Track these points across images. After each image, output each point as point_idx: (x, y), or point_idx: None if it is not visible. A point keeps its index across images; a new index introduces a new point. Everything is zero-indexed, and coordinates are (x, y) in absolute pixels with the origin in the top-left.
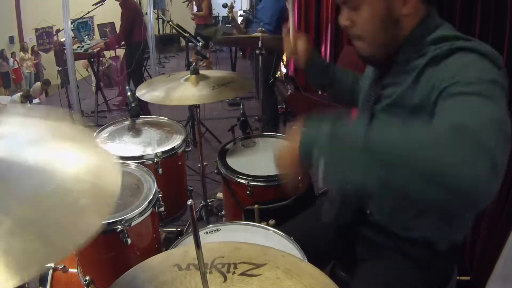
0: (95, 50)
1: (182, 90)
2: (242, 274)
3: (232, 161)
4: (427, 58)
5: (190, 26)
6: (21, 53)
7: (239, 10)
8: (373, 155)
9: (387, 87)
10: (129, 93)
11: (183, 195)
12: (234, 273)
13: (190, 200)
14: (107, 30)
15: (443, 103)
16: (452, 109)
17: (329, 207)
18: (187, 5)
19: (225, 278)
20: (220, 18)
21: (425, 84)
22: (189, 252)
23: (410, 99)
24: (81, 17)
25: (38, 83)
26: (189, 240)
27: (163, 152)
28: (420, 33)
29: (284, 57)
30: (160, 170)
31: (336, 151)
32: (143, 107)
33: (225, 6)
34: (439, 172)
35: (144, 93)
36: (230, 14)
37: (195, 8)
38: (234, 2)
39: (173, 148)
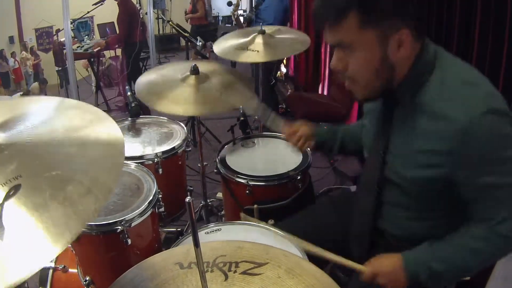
0: (95, 50)
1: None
2: (244, 273)
3: (231, 161)
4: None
5: (190, 26)
6: (24, 52)
7: (239, 9)
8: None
9: (396, 133)
10: (129, 93)
11: (183, 195)
12: (235, 271)
13: (189, 197)
14: (107, 30)
15: (483, 192)
16: (497, 208)
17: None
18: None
19: (226, 277)
20: (220, 18)
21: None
22: (191, 250)
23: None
24: (81, 17)
25: (36, 83)
26: (189, 240)
27: (163, 152)
28: (419, 72)
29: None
30: (160, 170)
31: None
32: (143, 107)
33: (229, 4)
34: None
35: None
36: (235, 13)
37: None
38: (241, 1)
39: (173, 148)
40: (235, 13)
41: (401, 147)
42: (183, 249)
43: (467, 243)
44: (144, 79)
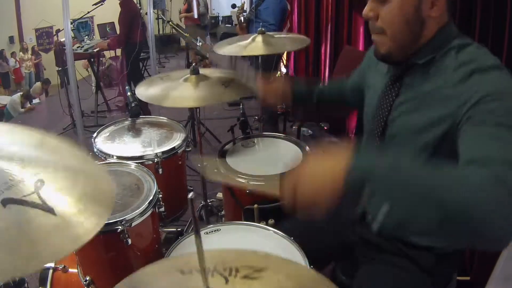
0: (95, 50)
1: (181, 91)
2: (244, 277)
3: (231, 161)
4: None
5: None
6: (21, 53)
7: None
8: (424, 199)
9: (405, 92)
10: (129, 93)
11: (183, 195)
12: (236, 276)
13: (191, 193)
14: (107, 30)
15: (479, 128)
16: (491, 146)
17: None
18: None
19: (227, 281)
20: (220, 18)
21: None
22: (192, 257)
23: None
24: (81, 17)
25: (38, 83)
26: (189, 240)
27: (163, 152)
28: (443, 38)
29: (284, 58)
30: (160, 170)
31: (396, 192)
32: (143, 107)
33: (234, 6)
34: (476, 217)
35: (143, 93)
36: (240, 16)
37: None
38: (245, 3)
39: (173, 148)
40: (240, 16)
41: (410, 102)
42: (184, 256)
43: (458, 178)
44: (145, 84)
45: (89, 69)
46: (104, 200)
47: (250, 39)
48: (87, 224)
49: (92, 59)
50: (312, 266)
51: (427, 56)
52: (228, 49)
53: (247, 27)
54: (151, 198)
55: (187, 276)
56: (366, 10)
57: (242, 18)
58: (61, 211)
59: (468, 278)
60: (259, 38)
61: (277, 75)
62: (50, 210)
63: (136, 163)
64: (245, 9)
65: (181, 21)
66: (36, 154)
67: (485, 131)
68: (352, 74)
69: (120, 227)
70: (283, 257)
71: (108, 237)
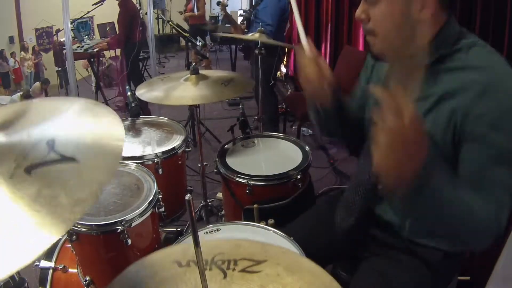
0: (95, 50)
1: (181, 90)
2: (242, 270)
3: (231, 161)
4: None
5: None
6: (22, 52)
7: (239, 10)
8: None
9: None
10: (129, 93)
11: (183, 195)
12: (234, 269)
13: (188, 195)
14: (107, 30)
15: (482, 156)
16: (493, 184)
17: (344, 214)
18: (183, 12)
19: (225, 275)
20: (220, 18)
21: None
22: (188, 249)
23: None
24: (81, 17)
25: (38, 83)
26: (189, 240)
27: (163, 152)
28: (444, 39)
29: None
30: (160, 170)
31: (428, 209)
32: (143, 107)
33: (218, 4)
34: (471, 240)
35: (143, 93)
36: (222, 12)
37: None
38: (227, 0)
39: (173, 148)
40: (222, 12)
41: (419, 104)
42: (180, 247)
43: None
44: (145, 86)
45: (89, 69)
46: (115, 136)
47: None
48: (107, 159)
49: (92, 59)
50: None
51: (431, 57)
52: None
53: (247, 27)
54: (151, 198)
55: (184, 268)
56: (358, 12)
57: (233, 15)
58: (81, 157)
59: (468, 278)
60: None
61: (277, 75)
62: (71, 159)
63: (136, 163)
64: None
65: (186, 21)
66: (33, 119)
67: (488, 162)
68: (353, 94)
69: (120, 227)
70: (281, 247)
71: (108, 237)
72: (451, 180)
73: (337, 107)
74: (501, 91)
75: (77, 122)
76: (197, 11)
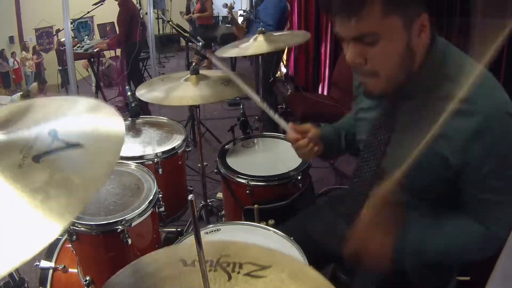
0: (95, 50)
1: (182, 90)
2: (247, 274)
3: (232, 161)
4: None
5: (190, 27)
6: (23, 52)
7: (239, 10)
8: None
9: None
10: (129, 93)
11: (183, 195)
12: (239, 272)
13: (191, 195)
14: (107, 30)
15: (484, 191)
16: (489, 215)
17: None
18: (184, 14)
19: (230, 277)
20: (220, 18)
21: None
22: (194, 248)
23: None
24: (81, 17)
25: (35, 83)
26: (189, 240)
27: (163, 152)
28: (433, 62)
29: (284, 57)
30: (160, 170)
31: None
32: (143, 107)
33: (225, 6)
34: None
35: (143, 93)
36: (229, 15)
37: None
38: (234, 3)
39: (173, 148)
40: (229, 15)
41: (407, 138)
42: (187, 246)
43: (461, 237)
44: (146, 87)
45: (89, 69)
46: (115, 121)
47: (251, 40)
48: (111, 142)
49: (92, 59)
50: (312, 266)
51: (420, 85)
52: (232, 52)
53: (247, 27)
54: (151, 198)
55: (189, 268)
56: (351, 56)
57: (234, 15)
58: (85, 142)
59: (468, 278)
60: (261, 38)
61: (276, 74)
62: (77, 144)
63: (136, 163)
64: (241, 7)
65: (193, 21)
66: (33, 114)
67: (489, 195)
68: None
69: (120, 227)
70: (288, 255)
71: (108, 237)
72: (430, 224)
73: (331, 150)
74: (496, 132)
75: (75, 114)
76: (205, 11)
